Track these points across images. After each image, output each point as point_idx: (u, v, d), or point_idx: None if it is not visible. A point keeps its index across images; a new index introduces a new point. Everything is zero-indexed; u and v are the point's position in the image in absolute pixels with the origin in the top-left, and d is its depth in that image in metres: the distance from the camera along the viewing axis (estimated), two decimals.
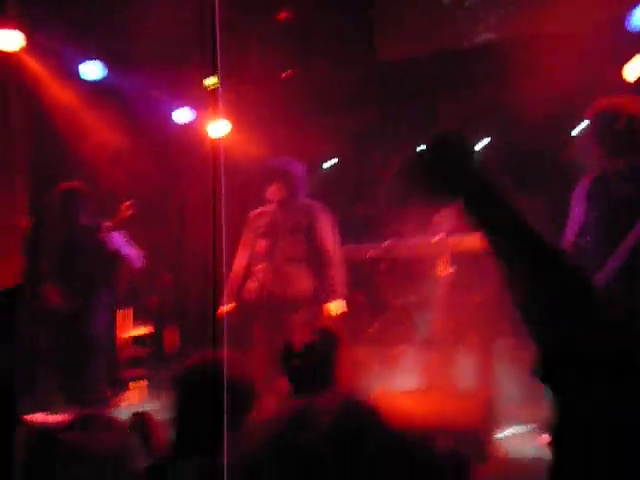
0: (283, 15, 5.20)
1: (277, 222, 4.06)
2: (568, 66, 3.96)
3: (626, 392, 0.87)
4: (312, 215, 4.04)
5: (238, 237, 4.20)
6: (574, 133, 4.83)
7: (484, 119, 5.97)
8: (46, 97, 4.77)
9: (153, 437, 1.85)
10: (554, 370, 0.93)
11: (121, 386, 4.67)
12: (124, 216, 4.01)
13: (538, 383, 0.94)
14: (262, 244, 4.09)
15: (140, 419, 1.92)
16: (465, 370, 4.13)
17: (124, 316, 4.95)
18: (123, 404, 4.37)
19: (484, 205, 1.02)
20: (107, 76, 4.98)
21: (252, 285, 4.05)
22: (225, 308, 3.98)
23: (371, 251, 5.58)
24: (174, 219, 6.24)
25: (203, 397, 1.49)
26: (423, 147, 1.09)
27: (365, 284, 5.83)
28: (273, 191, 4.06)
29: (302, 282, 4.00)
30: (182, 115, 5.80)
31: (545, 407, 1.00)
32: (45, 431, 1.75)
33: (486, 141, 6.62)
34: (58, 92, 4.81)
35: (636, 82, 4.22)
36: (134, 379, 4.73)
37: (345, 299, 4.01)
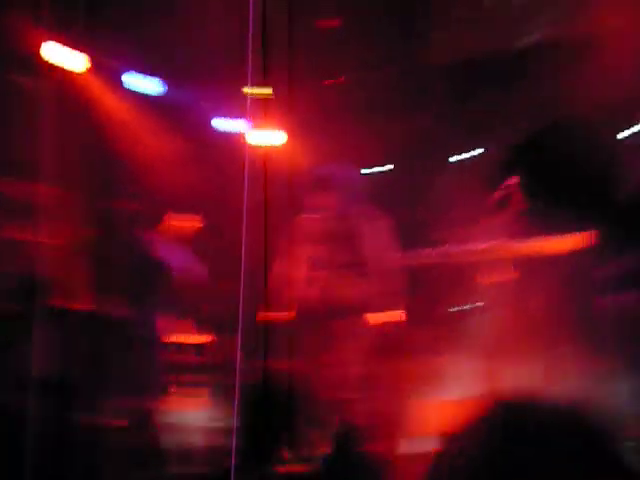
0: (331, 22, 5.20)
1: (330, 229, 4.05)
2: (620, 66, 3.82)
3: None
4: (365, 222, 4.01)
5: (290, 245, 4.20)
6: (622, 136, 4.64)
7: (537, 120, 5.82)
8: (103, 111, 4.91)
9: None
10: None
11: (171, 392, 4.75)
12: (172, 227, 4.09)
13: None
14: (314, 251, 4.09)
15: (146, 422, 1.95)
16: (519, 380, 4.01)
17: (177, 323, 5.04)
18: (173, 409, 4.44)
19: None
20: (161, 89, 5.10)
21: (305, 293, 4.05)
22: (277, 316, 3.99)
23: (427, 258, 5.50)
24: (226, 229, 6.32)
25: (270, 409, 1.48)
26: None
27: (420, 291, 5.75)
28: (325, 198, 4.05)
29: (354, 290, 3.97)
30: (230, 125, 5.88)
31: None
32: (97, 430, 1.79)
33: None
34: (113, 108, 4.95)
35: None
36: (186, 385, 4.79)
37: (400, 307, 3.96)
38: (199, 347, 5.37)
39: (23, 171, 4.93)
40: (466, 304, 4.88)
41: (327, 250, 4.01)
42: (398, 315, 3.93)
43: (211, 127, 5.86)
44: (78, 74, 4.71)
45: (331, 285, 3.96)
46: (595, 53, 4.09)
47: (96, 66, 4.87)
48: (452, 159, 6.64)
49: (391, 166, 7.15)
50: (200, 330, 5.48)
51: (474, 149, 6.78)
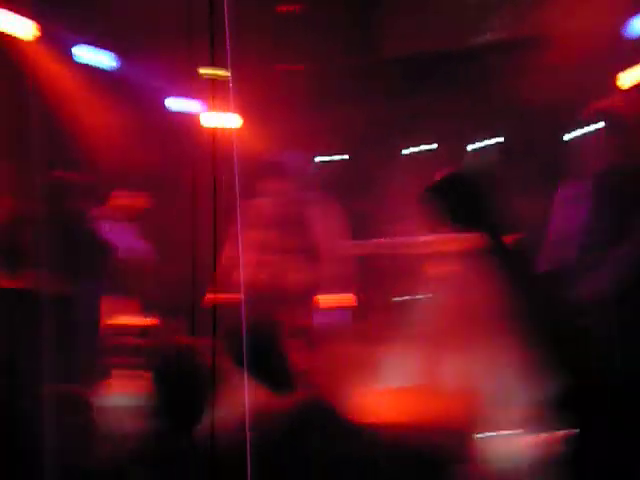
0: (290, 8, 5.18)
1: (280, 214, 4.06)
2: (570, 66, 3.94)
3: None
4: (310, 208, 4.04)
5: (240, 229, 4.19)
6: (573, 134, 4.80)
7: (491, 117, 5.95)
8: (48, 84, 4.77)
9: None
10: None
11: (109, 374, 4.68)
12: (119, 204, 4.01)
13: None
14: (256, 235, 4.09)
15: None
16: (452, 370, 4.11)
17: (116, 304, 4.96)
18: (111, 391, 4.38)
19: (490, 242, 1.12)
20: (111, 63, 4.99)
21: (246, 278, 4.04)
22: (215, 299, 3.98)
23: (370, 247, 5.57)
24: (172, 209, 6.24)
25: (178, 383, 1.48)
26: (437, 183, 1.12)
27: (362, 280, 5.82)
28: (271, 183, 4.06)
29: (296, 274, 3.99)
30: (182, 105, 5.80)
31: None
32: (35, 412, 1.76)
33: (493, 140, 6.60)
34: (60, 79, 4.81)
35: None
36: (123, 367, 4.73)
37: (341, 293, 4.00)
38: (142, 329, 5.30)
39: None
40: (411, 294, 4.96)
41: (276, 235, 4.02)
42: (344, 301, 3.97)
43: (163, 105, 5.77)
44: (25, 41, 4.55)
45: (279, 269, 3.98)
46: (544, 54, 4.21)
47: (46, 35, 4.72)
48: (404, 151, 6.73)
49: (344, 155, 7.19)
50: (144, 312, 5.41)
51: (426, 142, 6.88)
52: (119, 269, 4.45)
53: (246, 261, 4.06)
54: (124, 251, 4.27)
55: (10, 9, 4.35)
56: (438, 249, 4.48)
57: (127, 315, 5.23)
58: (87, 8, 4.71)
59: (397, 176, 6.38)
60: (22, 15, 4.40)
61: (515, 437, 3.36)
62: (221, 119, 5.54)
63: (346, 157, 6.95)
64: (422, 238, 4.95)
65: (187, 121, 5.75)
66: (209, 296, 3.96)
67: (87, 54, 4.90)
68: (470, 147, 6.58)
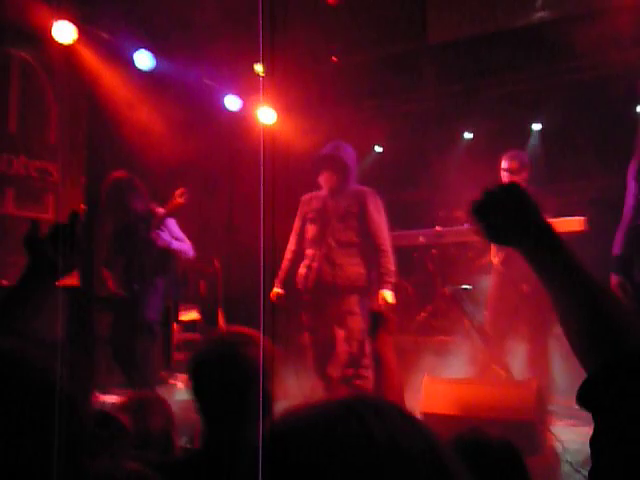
0: (328, 1, 5.14)
1: (328, 208, 4.05)
2: (626, 43, 3.81)
3: None
4: (363, 201, 4.01)
5: (289, 223, 4.21)
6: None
7: (540, 100, 5.82)
8: (100, 88, 4.87)
9: (149, 421, 1.87)
10: (596, 394, 0.92)
11: (174, 370, 4.78)
12: (177, 203, 4.06)
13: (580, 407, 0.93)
14: (313, 230, 4.09)
15: (139, 403, 1.95)
16: (516, 360, 4.05)
17: (176, 302, 5.04)
18: (177, 387, 4.47)
19: (538, 257, 1.08)
20: (159, 65, 5.05)
21: (302, 271, 4.06)
22: (274, 293, 4.00)
23: (421, 237, 5.51)
24: (225, 206, 6.31)
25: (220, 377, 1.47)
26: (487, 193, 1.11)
27: (414, 271, 5.77)
28: (324, 177, 4.05)
29: (353, 269, 3.98)
30: (233, 102, 5.85)
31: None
32: (99, 411, 1.79)
33: (539, 125, 6.47)
34: (111, 82, 4.90)
35: None
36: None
37: (395, 287, 3.97)
38: (194, 324, 5.39)
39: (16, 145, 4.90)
40: (461, 284, 4.91)
41: (325, 228, 4.01)
42: (394, 295, 3.94)
43: (214, 103, 5.83)
44: (79, 47, 4.65)
45: (328, 263, 3.97)
46: (599, 29, 4.07)
47: (99, 42, 4.82)
48: (448, 141, 6.65)
49: (385, 147, 7.15)
50: (195, 307, 5.50)
51: (469, 131, 6.78)
52: (179, 267, 4.52)
53: (307, 254, 4.08)
54: (183, 252, 4.33)
55: (65, 18, 4.44)
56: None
57: (187, 312, 5.32)
58: (134, 11, 4.78)
59: (453, 162, 6.32)
60: (75, 24, 4.48)
61: (581, 427, 3.30)
62: (273, 115, 5.59)
63: (393, 146, 6.90)
64: (465, 227, 4.86)
65: (241, 119, 5.80)
66: (273, 291, 4.01)
67: (141, 58, 4.98)
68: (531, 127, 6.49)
